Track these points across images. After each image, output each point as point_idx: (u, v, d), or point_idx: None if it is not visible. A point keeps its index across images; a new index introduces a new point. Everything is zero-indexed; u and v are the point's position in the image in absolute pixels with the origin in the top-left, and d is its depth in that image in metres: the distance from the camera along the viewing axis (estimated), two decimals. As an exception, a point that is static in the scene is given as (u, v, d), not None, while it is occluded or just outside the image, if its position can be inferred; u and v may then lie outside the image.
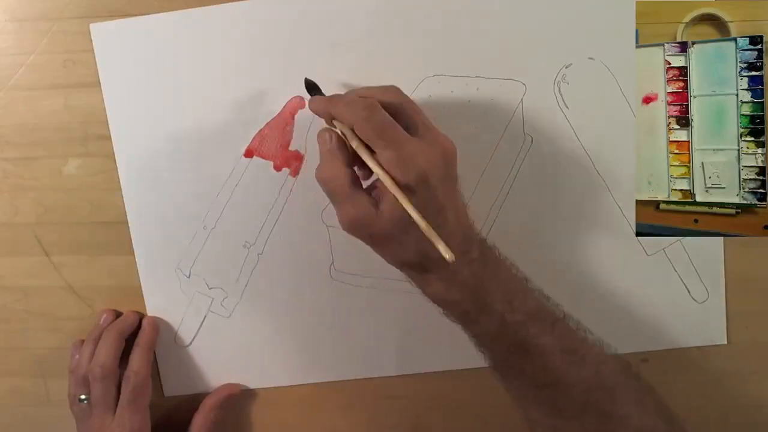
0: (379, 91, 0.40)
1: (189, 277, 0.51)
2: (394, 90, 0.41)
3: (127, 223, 0.50)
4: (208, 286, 0.51)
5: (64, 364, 0.51)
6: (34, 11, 0.50)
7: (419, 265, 0.40)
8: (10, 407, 0.54)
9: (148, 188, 0.50)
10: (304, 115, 0.49)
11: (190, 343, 0.51)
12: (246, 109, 0.49)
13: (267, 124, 0.49)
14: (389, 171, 0.37)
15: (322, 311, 0.51)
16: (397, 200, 0.37)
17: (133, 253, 0.51)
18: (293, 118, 0.49)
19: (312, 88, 0.46)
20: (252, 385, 0.52)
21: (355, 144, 0.39)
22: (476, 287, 0.40)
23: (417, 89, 0.49)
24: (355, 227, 0.39)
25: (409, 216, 0.37)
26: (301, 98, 0.49)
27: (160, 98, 0.50)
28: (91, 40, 0.49)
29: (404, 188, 0.37)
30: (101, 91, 0.50)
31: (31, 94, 0.50)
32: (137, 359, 0.49)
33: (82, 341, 0.51)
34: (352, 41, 0.49)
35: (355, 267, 0.50)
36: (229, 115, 0.49)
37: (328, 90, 0.46)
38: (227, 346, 0.51)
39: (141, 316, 0.52)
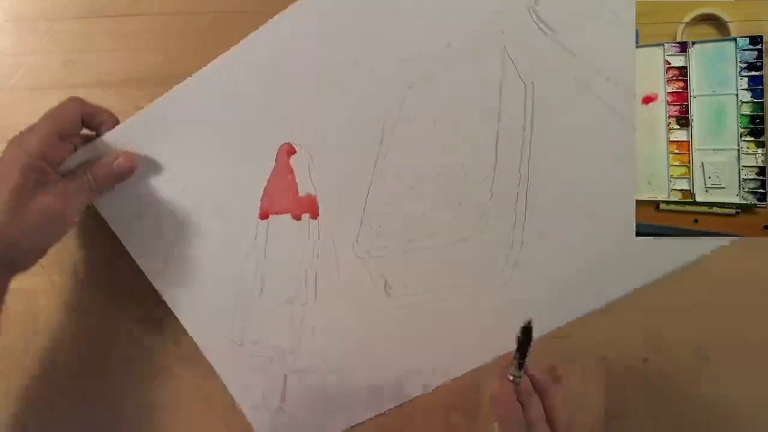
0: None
1: (242, 345, 0.50)
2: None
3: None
4: (266, 347, 0.50)
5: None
6: (34, 11, 0.50)
7: None
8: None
9: (181, 278, 0.49)
10: (299, 157, 0.49)
11: (279, 407, 0.50)
12: (243, 171, 0.49)
13: (268, 180, 0.49)
14: None
15: (382, 337, 0.50)
16: None
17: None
18: (290, 165, 0.49)
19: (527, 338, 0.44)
20: (343, 426, 0.50)
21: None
22: None
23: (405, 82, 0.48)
24: None
25: None
26: (290, 144, 0.49)
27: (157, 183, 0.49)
28: (90, 40, 0.49)
29: None
30: (101, 90, 0.49)
31: (31, 94, 0.50)
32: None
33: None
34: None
35: (404, 287, 0.49)
36: (230, 183, 0.49)
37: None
38: (310, 398, 0.50)
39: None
